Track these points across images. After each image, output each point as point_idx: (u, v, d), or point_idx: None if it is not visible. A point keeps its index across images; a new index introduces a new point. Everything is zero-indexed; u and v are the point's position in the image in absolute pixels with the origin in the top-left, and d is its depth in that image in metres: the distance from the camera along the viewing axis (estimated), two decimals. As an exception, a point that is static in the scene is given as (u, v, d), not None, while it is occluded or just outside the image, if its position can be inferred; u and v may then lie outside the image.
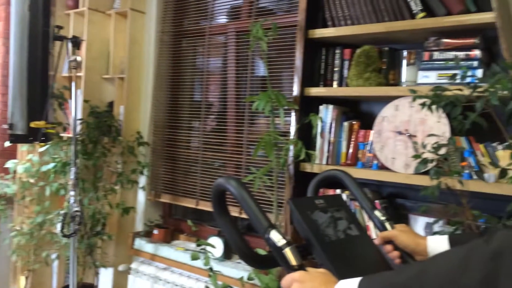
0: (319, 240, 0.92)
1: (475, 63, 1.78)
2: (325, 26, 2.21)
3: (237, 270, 2.55)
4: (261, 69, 2.68)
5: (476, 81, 1.35)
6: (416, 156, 1.44)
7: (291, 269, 0.84)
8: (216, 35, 2.93)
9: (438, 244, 1.03)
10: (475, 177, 1.56)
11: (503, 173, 1.27)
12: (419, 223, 1.99)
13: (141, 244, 2.97)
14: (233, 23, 2.82)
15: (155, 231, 2.95)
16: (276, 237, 0.86)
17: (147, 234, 3.02)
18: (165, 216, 3.17)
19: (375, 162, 2.04)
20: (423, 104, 1.35)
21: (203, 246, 2.35)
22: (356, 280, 0.76)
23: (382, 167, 2.00)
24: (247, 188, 0.93)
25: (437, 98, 1.30)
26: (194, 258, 2.27)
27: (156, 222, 3.08)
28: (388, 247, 1.09)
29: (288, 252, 0.84)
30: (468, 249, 0.65)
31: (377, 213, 1.13)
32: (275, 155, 2.13)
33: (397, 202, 2.12)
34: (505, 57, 1.63)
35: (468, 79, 1.44)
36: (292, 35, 2.36)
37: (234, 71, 2.79)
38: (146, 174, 2.99)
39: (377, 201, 2.04)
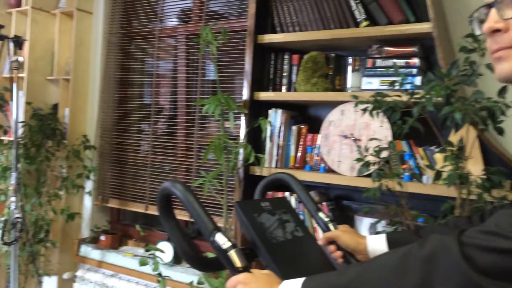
0: (264, 242, 0.94)
1: (414, 71, 1.88)
2: (274, 31, 2.25)
3: (187, 274, 2.53)
4: (212, 73, 2.68)
5: (414, 88, 1.42)
6: (359, 160, 1.50)
7: (235, 271, 0.85)
8: (166, 37, 2.91)
9: (377, 243, 1.08)
10: (414, 179, 1.64)
11: (438, 175, 1.34)
12: (364, 223, 2.06)
13: (87, 251, 2.88)
14: (183, 26, 2.81)
15: (102, 237, 2.88)
16: (221, 239, 0.87)
17: (93, 241, 2.94)
18: (112, 221, 3.10)
19: (323, 165, 2.10)
20: (364, 109, 1.40)
21: (152, 252, 2.32)
22: (300, 281, 0.79)
23: (329, 170, 2.06)
24: (193, 191, 0.93)
25: (377, 104, 1.36)
26: (143, 263, 2.24)
27: (103, 228, 3.01)
28: (332, 247, 1.13)
29: (233, 254, 0.86)
30: (403, 253, 0.69)
31: (321, 214, 1.17)
32: (225, 159, 2.14)
33: (344, 203, 2.18)
34: (441, 65, 1.73)
35: (407, 86, 1.51)
36: (242, 39, 2.38)
37: (185, 74, 2.78)
38: (92, 179, 2.91)
39: (324, 203, 2.09)
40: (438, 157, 1.80)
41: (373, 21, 1.99)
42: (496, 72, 0.76)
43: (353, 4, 2.03)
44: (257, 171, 2.20)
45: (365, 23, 2.00)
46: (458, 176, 1.25)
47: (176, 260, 2.63)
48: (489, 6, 0.76)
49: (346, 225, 1.17)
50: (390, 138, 1.86)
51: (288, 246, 1.00)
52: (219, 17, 2.67)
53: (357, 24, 2.02)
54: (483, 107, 1.21)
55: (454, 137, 1.60)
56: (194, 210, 0.91)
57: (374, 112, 1.38)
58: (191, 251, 0.97)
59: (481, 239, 0.63)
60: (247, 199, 2.19)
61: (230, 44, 2.48)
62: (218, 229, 0.89)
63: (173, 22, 2.93)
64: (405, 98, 1.40)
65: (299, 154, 2.20)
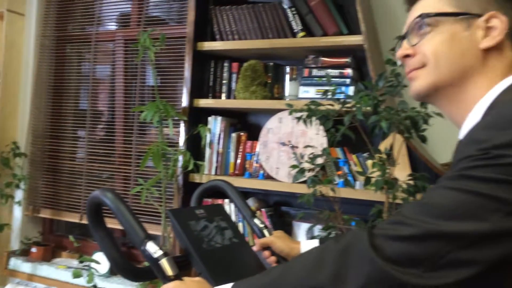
0: (196, 249, 0.94)
1: (348, 81, 1.96)
2: (213, 39, 2.26)
3: (124, 286, 2.47)
4: (152, 79, 2.65)
5: (345, 97, 1.49)
6: (293, 166, 1.53)
7: (167, 279, 0.84)
8: (103, 42, 2.83)
9: (310, 247, 1.11)
10: (358, 184, 1.72)
11: (367, 180, 1.41)
12: (302, 228, 2.11)
13: (17, 264, 2.73)
14: (122, 31, 2.75)
15: (33, 249, 2.74)
16: (152, 248, 0.86)
17: (24, 253, 2.79)
18: (45, 232, 2.95)
19: (261, 172, 2.12)
20: (298, 118, 1.45)
21: (86, 263, 2.24)
22: (229, 285, 0.80)
23: (268, 177, 2.09)
24: (123, 200, 0.92)
25: (311, 112, 1.40)
26: (76, 275, 2.16)
27: (34, 240, 2.86)
28: (266, 253, 1.15)
29: (164, 262, 0.85)
30: (322, 248, 0.72)
31: (256, 221, 1.18)
32: (164, 166, 2.11)
33: (282, 210, 2.22)
34: (372, 76, 1.81)
35: (341, 95, 1.57)
36: (183, 46, 2.37)
37: (123, 80, 2.72)
38: (23, 188, 2.77)
39: (263, 210, 2.12)
40: (370, 163, 1.89)
41: (309, 32, 2.06)
42: (410, 91, 0.85)
43: (290, 15, 2.09)
44: (196, 178, 2.19)
45: (301, 34, 2.06)
46: (384, 182, 1.32)
47: (113, 271, 2.55)
48: (403, 37, 0.86)
49: (280, 231, 1.20)
50: (325, 146, 1.92)
51: (222, 253, 1.00)
52: (159, 22, 2.65)
53: (294, 35, 2.08)
54: (407, 116, 1.29)
55: (384, 145, 1.68)
56: (125, 219, 0.89)
57: (308, 120, 1.42)
58: (121, 261, 0.95)
59: (387, 229, 0.67)
60: (186, 207, 2.18)
61: (170, 51, 2.46)
62: (149, 238, 0.88)
63: (111, 26, 2.86)
64: (337, 107, 1.45)
65: (238, 161, 2.22)
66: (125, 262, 0.95)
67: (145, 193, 2.07)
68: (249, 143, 2.22)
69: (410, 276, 0.63)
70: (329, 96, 1.47)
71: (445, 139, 1.43)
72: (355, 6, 1.85)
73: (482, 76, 0.78)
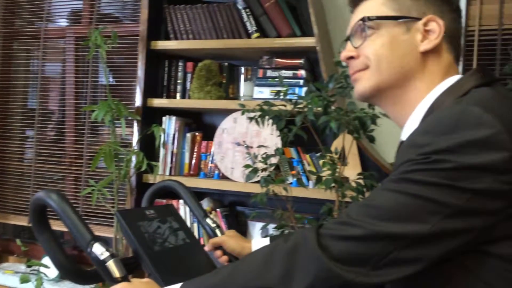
0: (145, 250, 0.93)
1: (301, 82, 1.99)
2: (167, 38, 2.24)
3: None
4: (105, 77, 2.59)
5: (298, 98, 1.51)
6: (247, 166, 1.55)
7: (114, 281, 0.83)
8: (53, 38, 2.74)
9: (261, 246, 1.12)
10: (311, 184, 1.76)
11: (318, 179, 1.44)
12: (257, 228, 2.12)
13: (-40, 270, 2.60)
14: (72, 28, 2.67)
15: (-22, 255, 2.61)
16: (99, 250, 0.85)
17: (-32, 258, 2.66)
18: (-10, 236, 2.82)
19: (216, 172, 2.12)
20: (251, 118, 1.46)
21: (35, 267, 2.16)
22: (178, 286, 0.79)
23: (223, 177, 2.09)
24: (68, 201, 0.89)
25: (264, 112, 1.42)
26: (24, 280, 2.08)
27: (-21, 244, 2.73)
28: (218, 253, 1.16)
29: (111, 264, 0.84)
30: (270, 247, 0.74)
31: (209, 220, 1.19)
32: (116, 167, 2.07)
33: (238, 209, 2.23)
34: (324, 77, 1.85)
35: (294, 96, 1.60)
36: (136, 44, 2.33)
37: (73, 78, 2.64)
38: (-34, 190, 2.64)
39: (218, 210, 2.12)
40: (322, 163, 1.93)
41: (263, 33, 2.08)
42: (354, 92, 0.87)
43: (244, 16, 2.10)
44: (150, 179, 2.17)
45: (256, 35, 2.07)
46: (333, 181, 1.36)
47: (62, 275, 2.48)
48: (347, 39, 0.88)
49: (233, 231, 1.21)
50: (279, 145, 1.94)
51: (172, 253, 1.00)
52: (111, 20, 2.59)
53: (249, 35, 2.09)
54: (355, 117, 1.32)
55: (335, 145, 1.72)
56: (70, 220, 0.87)
57: (260, 120, 1.44)
58: (68, 264, 0.93)
59: (333, 229, 0.70)
60: (136, 208, 2.15)
61: (122, 49, 2.41)
62: (95, 239, 0.86)
63: (61, 22, 2.77)
64: (289, 107, 1.48)
65: (193, 161, 2.21)
66: (72, 264, 0.93)
67: (96, 195, 2.02)
68: (204, 143, 2.21)
69: (355, 274, 0.65)
70: (282, 97, 1.48)
71: (393, 139, 1.48)
72: (308, 8, 1.89)
73: (422, 79, 0.81)
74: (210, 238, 1.18)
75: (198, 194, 1.66)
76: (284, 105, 1.48)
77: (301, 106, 1.45)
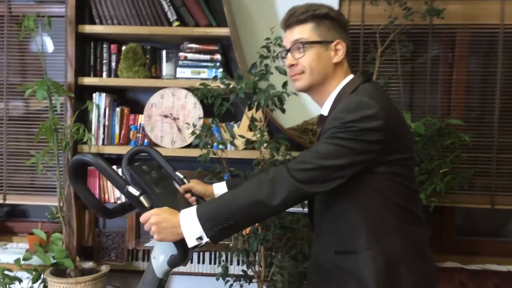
0: (153, 191, 1.33)
1: (217, 64, 2.44)
2: (92, 22, 2.48)
3: (7, 254, 2.60)
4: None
5: (223, 79, 1.97)
6: (193, 133, 1.98)
7: (146, 209, 1.24)
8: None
9: (220, 187, 1.60)
10: (229, 146, 2.26)
11: (247, 142, 1.94)
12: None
13: None
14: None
15: None
16: (132, 190, 1.24)
17: None
18: None
19: (146, 140, 2.49)
20: (197, 96, 1.89)
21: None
22: (193, 208, 1.24)
23: (153, 144, 2.47)
24: (102, 158, 1.26)
25: (208, 92, 1.86)
26: None
27: None
28: (188, 195, 1.59)
29: (142, 199, 1.24)
30: (258, 178, 1.23)
31: (178, 173, 1.61)
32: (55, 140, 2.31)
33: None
34: (237, 61, 2.34)
35: (216, 76, 2.05)
36: (60, 26, 2.51)
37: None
38: None
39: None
40: (236, 130, 2.43)
41: (183, 22, 2.46)
42: (295, 87, 1.39)
43: (165, 6, 2.45)
44: (85, 149, 2.44)
45: (176, 23, 2.45)
46: (264, 141, 1.87)
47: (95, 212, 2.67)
48: (288, 51, 1.37)
49: (196, 179, 1.64)
50: (202, 116, 2.40)
51: (166, 192, 1.42)
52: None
53: (170, 23, 2.45)
54: (275, 94, 1.84)
55: (247, 116, 2.23)
56: (107, 172, 1.24)
57: (205, 98, 1.88)
58: (97, 204, 1.30)
59: (296, 165, 1.22)
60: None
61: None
62: (128, 183, 1.25)
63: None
64: (223, 87, 1.94)
65: (123, 132, 2.53)
66: (100, 204, 1.31)
67: (40, 165, 2.25)
68: (132, 116, 2.54)
69: (311, 187, 1.19)
70: (218, 80, 1.93)
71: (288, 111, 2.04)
72: (219, 2, 2.33)
73: (334, 78, 1.36)
74: (180, 185, 1.61)
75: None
76: (219, 86, 1.93)
77: (231, 86, 1.92)
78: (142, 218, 1.24)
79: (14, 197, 2.73)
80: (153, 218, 1.23)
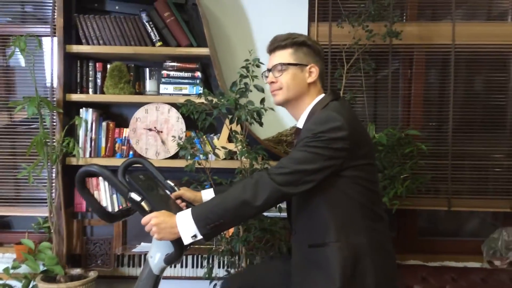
0: (150, 195, 1.51)
1: (198, 81, 2.64)
2: (79, 42, 2.64)
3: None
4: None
5: (207, 96, 2.17)
6: (179, 145, 2.16)
7: (147, 212, 1.42)
8: None
9: (207, 193, 1.79)
10: (211, 157, 2.45)
11: (228, 153, 2.14)
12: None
13: None
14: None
15: None
16: (134, 196, 1.42)
17: None
18: None
19: (131, 152, 2.66)
20: (183, 112, 2.09)
21: None
22: (188, 210, 1.43)
23: (138, 156, 2.63)
24: (107, 168, 1.43)
25: (194, 108, 2.06)
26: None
27: None
28: (178, 201, 1.77)
29: (144, 203, 1.42)
30: (243, 182, 1.43)
31: (169, 181, 1.79)
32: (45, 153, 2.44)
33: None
34: (217, 78, 2.54)
35: (201, 94, 2.25)
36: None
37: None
38: None
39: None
40: (216, 141, 2.63)
41: (165, 42, 2.65)
42: (274, 101, 1.62)
43: (148, 27, 2.64)
44: (73, 161, 2.59)
45: (159, 44, 2.64)
46: (246, 152, 2.07)
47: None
48: (269, 70, 1.60)
49: (185, 187, 1.83)
50: (184, 130, 2.58)
51: (161, 197, 1.60)
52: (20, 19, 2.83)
53: (153, 43, 2.64)
54: (254, 110, 2.05)
55: (225, 129, 2.44)
56: (112, 180, 1.42)
57: (191, 113, 2.08)
58: (101, 209, 1.48)
59: (275, 170, 1.43)
60: (66, 187, 2.57)
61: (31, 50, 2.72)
62: (130, 190, 1.43)
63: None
64: (206, 102, 2.14)
65: (109, 145, 2.69)
66: (103, 209, 1.49)
67: (31, 177, 2.39)
68: (117, 129, 2.71)
69: (288, 189, 1.41)
70: (202, 97, 2.14)
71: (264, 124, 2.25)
72: (198, 22, 2.53)
73: (307, 96, 1.59)
74: (171, 193, 1.79)
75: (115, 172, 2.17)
76: (203, 102, 2.14)
77: (214, 102, 2.12)
78: (144, 220, 1.42)
79: (1, 208, 2.83)
80: (153, 220, 1.41)
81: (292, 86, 1.57)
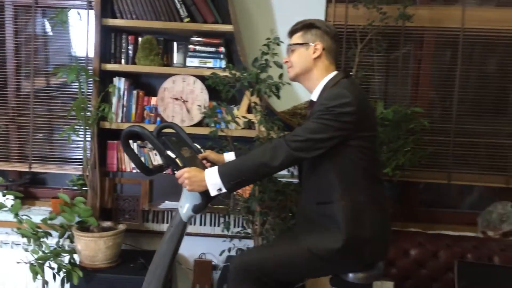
0: (182, 155, 1.77)
1: (221, 56, 2.87)
2: (114, 16, 2.87)
3: (32, 216, 3.00)
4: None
5: (231, 70, 2.40)
6: (205, 113, 2.41)
7: (180, 167, 1.68)
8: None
9: (229, 156, 2.05)
10: (231, 125, 2.70)
11: (248, 122, 2.39)
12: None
13: None
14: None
15: None
16: (170, 154, 1.68)
17: None
18: None
19: (159, 119, 2.92)
20: (209, 83, 2.34)
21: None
22: (215, 167, 1.69)
23: (165, 122, 2.89)
24: (147, 129, 1.69)
25: (219, 80, 2.30)
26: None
27: None
28: (204, 161, 2.04)
29: (178, 160, 1.69)
30: (263, 147, 1.69)
31: (196, 144, 2.06)
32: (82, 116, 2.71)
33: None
34: (239, 54, 2.76)
35: (226, 67, 2.48)
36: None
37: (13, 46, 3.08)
38: None
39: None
40: (236, 112, 2.88)
41: (193, 19, 2.87)
42: (288, 76, 1.85)
43: (178, 4, 2.85)
44: (106, 125, 2.86)
45: (187, 20, 2.85)
46: (264, 121, 2.31)
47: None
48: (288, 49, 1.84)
49: (210, 150, 2.09)
50: (207, 100, 2.83)
51: (191, 158, 1.86)
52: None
53: (181, 19, 2.86)
54: (273, 84, 2.28)
55: (245, 100, 2.67)
56: (152, 141, 1.68)
57: (216, 86, 2.32)
58: (142, 164, 1.75)
59: (291, 137, 1.67)
60: (100, 148, 2.85)
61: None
62: (166, 149, 1.69)
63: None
64: (229, 75, 2.38)
65: (138, 111, 2.95)
66: (143, 164, 1.75)
67: (70, 137, 2.67)
68: (146, 98, 2.96)
69: (301, 154, 1.66)
70: (226, 70, 2.37)
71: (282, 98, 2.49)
72: (223, 0, 2.74)
73: (316, 70, 1.83)
74: (198, 154, 2.05)
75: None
76: (226, 75, 2.38)
77: (237, 76, 2.36)
78: (178, 174, 1.69)
79: (39, 166, 3.13)
80: (186, 174, 1.68)
81: (299, 63, 1.83)
